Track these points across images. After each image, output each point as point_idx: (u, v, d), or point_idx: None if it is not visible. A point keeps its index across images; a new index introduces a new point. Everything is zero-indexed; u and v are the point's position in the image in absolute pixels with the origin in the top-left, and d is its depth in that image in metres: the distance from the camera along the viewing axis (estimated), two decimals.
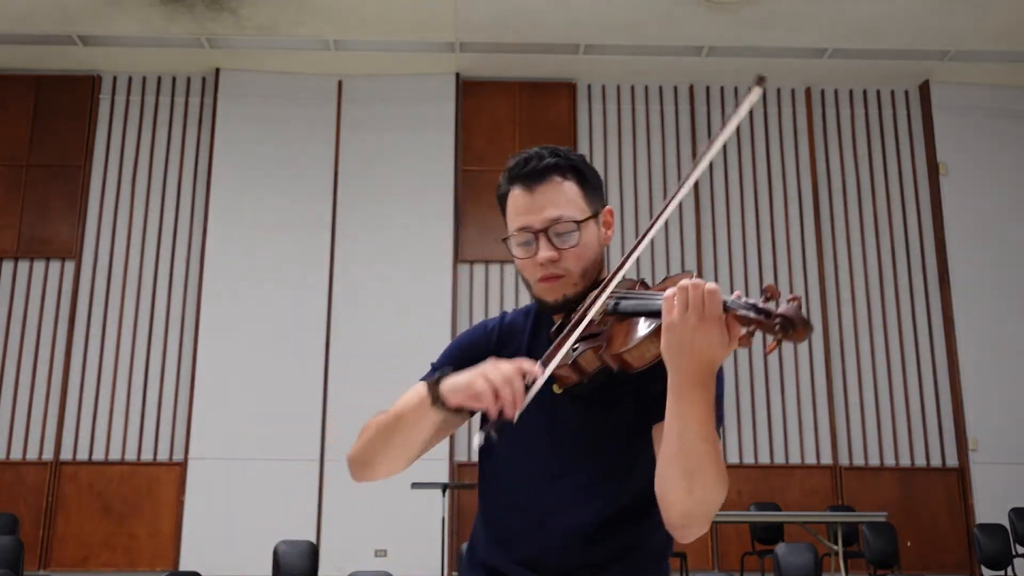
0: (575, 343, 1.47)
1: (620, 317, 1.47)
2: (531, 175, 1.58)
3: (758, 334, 1.29)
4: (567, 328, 1.48)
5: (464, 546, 1.68)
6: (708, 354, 1.32)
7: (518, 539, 1.57)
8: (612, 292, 1.47)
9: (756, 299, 1.30)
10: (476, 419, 1.70)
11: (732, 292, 1.31)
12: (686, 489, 1.37)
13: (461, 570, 1.66)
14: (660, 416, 1.42)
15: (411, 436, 1.58)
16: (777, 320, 1.24)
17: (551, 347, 1.47)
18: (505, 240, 1.62)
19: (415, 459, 1.64)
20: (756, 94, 1.26)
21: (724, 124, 1.30)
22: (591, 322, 1.47)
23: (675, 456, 1.38)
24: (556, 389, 1.50)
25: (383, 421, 1.61)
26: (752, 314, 1.28)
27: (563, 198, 1.57)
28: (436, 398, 1.50)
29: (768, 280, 8.60)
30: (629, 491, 1.54)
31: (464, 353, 1.68)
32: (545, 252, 1.55)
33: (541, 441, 1.58)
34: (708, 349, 1.31)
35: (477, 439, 1.44)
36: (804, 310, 1.25)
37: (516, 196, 1.60)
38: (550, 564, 1.54)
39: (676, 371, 1.35)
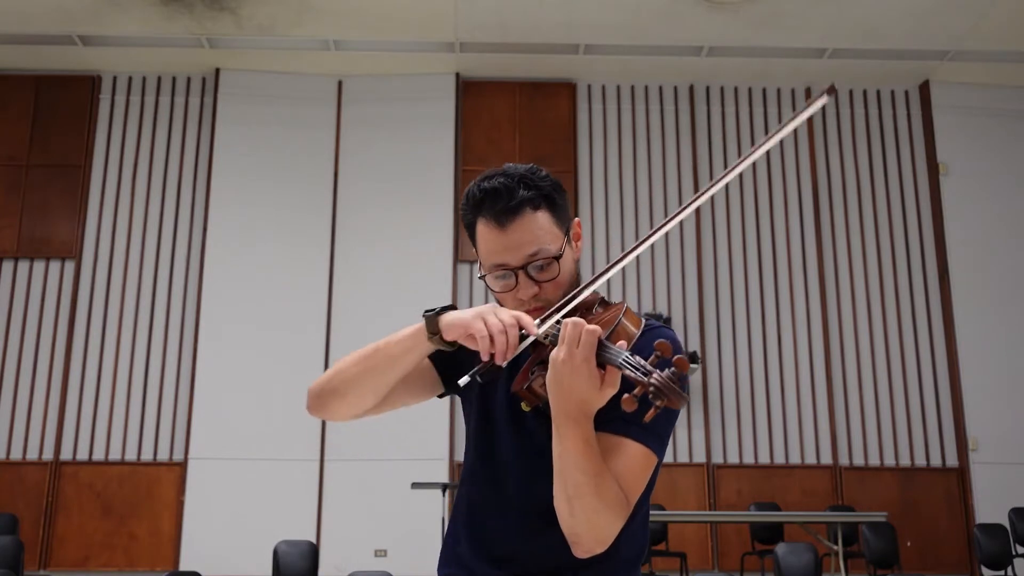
0: (532, 369, 1.48)
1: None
2: (503, 213, 1.52)
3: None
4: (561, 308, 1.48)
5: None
6: (577, 393, 1.33)
7: (492, 539, 1.57)
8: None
9: (644, 358, 1.28)
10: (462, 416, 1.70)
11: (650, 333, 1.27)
12: (568, 511, 1.40)
13: (440, 564, 1.65)
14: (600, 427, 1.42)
15: (392, 367, 1.56)
16: (651, 386, 1.24)
17: (543, 317, 1.48)
18: (481, 277, 1.60)
19: (380, 400, 1.62)
20: (822, 102, 1.29)
21: (780, 127, 1.33)
22: (544, 348, 1.47)
23: (556, 479, 1.41)
24: (524, 407, 1.50)
25: (364, 349, 1.59)
26: (629, 371, 1.28)
27: (538, 232, 1.53)
28: (434, 331, 1.49)
29: (768, 280, 8.60)
30: None
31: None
32: (528, 290, 1.54)
33: (510, 452, 1.58)
34: (577, 388, 1.33)
35: (463, 380, 1.43)
36: (680, 379, 1.22)
37: (487, 232, 1.55)
38: (524, 565, 1.54)
39: (552, 403, 1.37)
